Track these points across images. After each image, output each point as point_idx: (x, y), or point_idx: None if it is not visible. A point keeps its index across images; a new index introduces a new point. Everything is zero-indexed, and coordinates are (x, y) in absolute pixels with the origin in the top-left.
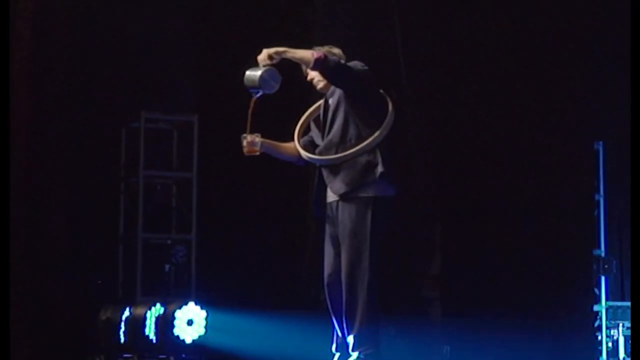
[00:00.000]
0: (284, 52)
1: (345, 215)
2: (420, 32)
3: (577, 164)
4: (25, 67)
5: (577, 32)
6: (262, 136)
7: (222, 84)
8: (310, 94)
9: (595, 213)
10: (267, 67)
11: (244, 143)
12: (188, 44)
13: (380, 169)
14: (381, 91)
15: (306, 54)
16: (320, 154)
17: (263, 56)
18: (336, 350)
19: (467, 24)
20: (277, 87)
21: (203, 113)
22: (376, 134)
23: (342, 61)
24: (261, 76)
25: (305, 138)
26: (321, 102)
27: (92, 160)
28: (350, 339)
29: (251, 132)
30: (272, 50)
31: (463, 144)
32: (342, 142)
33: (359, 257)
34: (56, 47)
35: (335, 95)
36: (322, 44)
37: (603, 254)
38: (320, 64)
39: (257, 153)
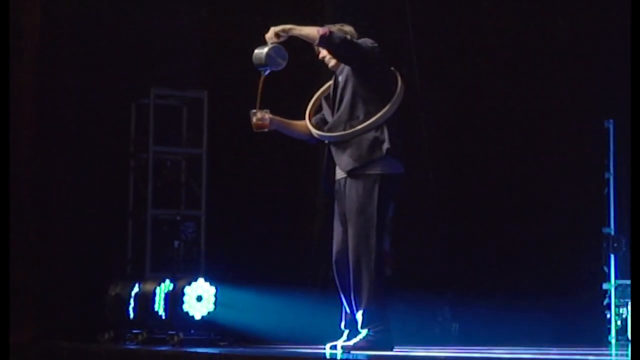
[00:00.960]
0: (290, 29)
1: (352, 192)
2: (432, 9)
3: (588, 142)
4: (35, 42)
5: (588, 11)
6: (272, 113)
7: (231, 60)
8: (321, 74)
9: (605, 191)
10: (273, 45)
11: (253, 119)
12: (198, 20)
13: (386, 145)
14: (392, 68)
15: (312, 31)
16: (328, 130)
17: (270, 34)
18: (345, 327)
19: (479, 3)
20: (284, 64)
21: (212, 89)
22: (383, 110)
23: (350, 38)
24: (267, 53)
25: (318, 116)
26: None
27: (102, 137)
28: (359, 316)
29: (260, 109)
30: (278, 28)
31: (474, 122)
32: (350, 119)
33: (366, 234)
34: (66, 24)
35: (344, 73)
36: (334, 22)
37: (613, 232)
38: (325, 40)
39: (266, 129)
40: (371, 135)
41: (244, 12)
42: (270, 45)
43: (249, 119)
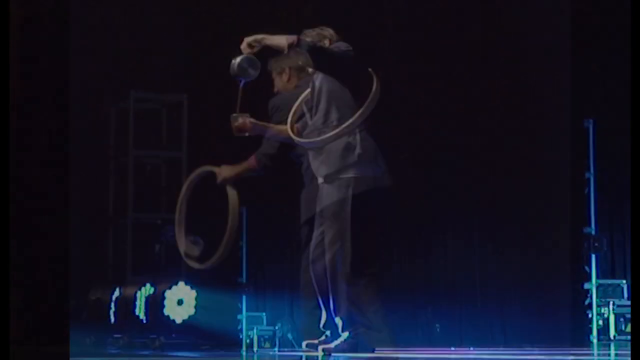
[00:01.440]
0: (262, 39)
1: (328, 196)
2: (412, 11)
3: (567, 142)
4: (14, 46)
5: (566, 9)
6: (252, 117)
7: (211, 63)
8: None
9: (586, 191)
10: (245, 55)
11: (234, 123)
12: (177, 23)
13: (358, 150)
14: (369, 70)
15: (281, 40)
16: (305, 136)
17: (244, 45)
18: (324, 328)
19: (456, 5)
20: (255, 74)
21: (192, 92)
22: (355, 116)
23: (320, 44)
24: (239, 64)
25: (303, 120)
26: None
27: (81, 140)
28: (339, 320)
29: (241, 113)
30: (250, 38)
31: (453, 123)
32: (325, 125)
33: (342, 237)
34: (47, 27)
35: (319, 78)
36: (313, 26)
37: (593, 232)
38: (293, 49)
39: (247, 134)
40: (344, 140)
41: (223, 16)
42: (242, 56)
43: (229, 123)
